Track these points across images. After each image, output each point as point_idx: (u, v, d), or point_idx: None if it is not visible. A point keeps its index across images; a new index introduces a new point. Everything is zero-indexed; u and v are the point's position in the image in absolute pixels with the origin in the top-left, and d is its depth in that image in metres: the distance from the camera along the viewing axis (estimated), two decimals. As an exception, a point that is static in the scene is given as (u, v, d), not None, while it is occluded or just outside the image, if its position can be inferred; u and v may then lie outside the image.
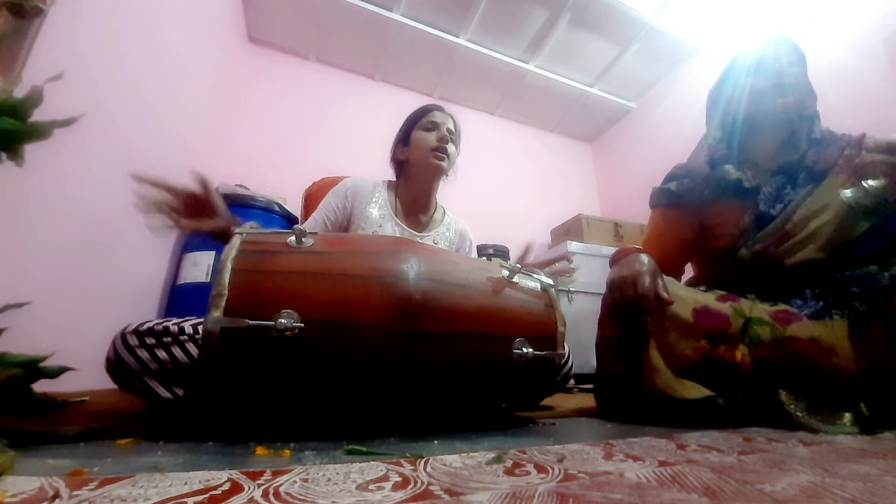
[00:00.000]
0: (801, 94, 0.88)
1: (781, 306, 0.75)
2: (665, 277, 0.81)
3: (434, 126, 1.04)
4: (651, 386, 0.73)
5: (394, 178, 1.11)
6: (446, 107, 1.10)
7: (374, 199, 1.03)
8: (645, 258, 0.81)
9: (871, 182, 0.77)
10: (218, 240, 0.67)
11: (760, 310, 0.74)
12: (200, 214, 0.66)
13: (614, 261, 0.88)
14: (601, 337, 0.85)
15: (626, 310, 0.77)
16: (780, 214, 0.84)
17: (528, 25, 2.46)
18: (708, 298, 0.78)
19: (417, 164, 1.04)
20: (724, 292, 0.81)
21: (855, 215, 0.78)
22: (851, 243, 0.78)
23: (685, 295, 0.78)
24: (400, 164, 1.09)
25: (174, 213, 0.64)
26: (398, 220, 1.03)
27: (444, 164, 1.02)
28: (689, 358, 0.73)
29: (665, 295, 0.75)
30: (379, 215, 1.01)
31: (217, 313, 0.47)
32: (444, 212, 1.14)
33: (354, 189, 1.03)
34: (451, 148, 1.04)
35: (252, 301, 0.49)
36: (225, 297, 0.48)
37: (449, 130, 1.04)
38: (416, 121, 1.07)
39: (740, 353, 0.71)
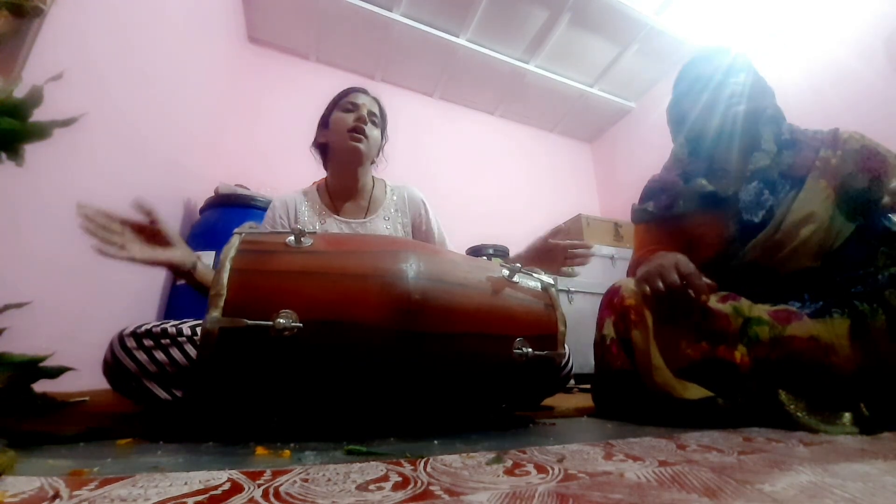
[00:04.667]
0: (754, 99, 0.89)
1: (781, 306, 0.75)
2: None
3: (354, 107, 1.00)
4: (650, 383, 0.73)
5: (318, 180, 1.07)
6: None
7: (304, 206, 1.00)
8: (678, 253, 0.79)
9: None
10: (178, 276, 0.64)
11: (760, 309, 0.74)
12: (154, 244, 0.65)
13: (639, 261, 0.87)
14: (599, 335, 0.85)
15: (670, 296, 0.74)
16: (763, 221, 0.83)
17: (528, 25, 2.46)
18: (710, 299, 0.78)
19: (336, 147, 1.00)
20: (724, 293, 0.81)
21: (843, 215, 0.78)
22: (841, 247, 0.78)
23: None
24: (322, 148, 1.05)
25: (125, 240, 0.61)
26: (338, 217, 1.00)
27: (362, 146, 0.97)
28: (689, 358, 0.73)
29: (708, 280, 0.73)
30: (318, 219, 0.98)
31: (216, 313, 0.47)
32: (385, 185, 1.08)
33: (283, 205, 0.99)
34: (371, 131, 0.99)
35: (251, 301, 0.49)
36: (223, 297, 0.48)
37: (371, 113, 1.00)
38: (337, 101, 1.03)
39: (739, 352, 0.71)
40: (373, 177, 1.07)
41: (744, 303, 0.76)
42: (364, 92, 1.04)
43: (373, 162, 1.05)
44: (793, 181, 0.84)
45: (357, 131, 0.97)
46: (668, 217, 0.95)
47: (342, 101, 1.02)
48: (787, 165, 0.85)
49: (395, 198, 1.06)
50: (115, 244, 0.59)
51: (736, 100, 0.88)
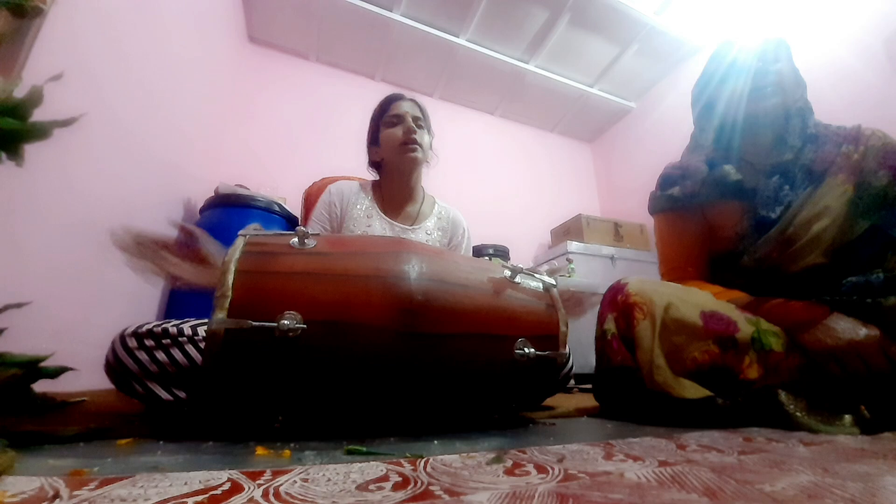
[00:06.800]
0: (787, 90, 0.86)
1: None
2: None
3: (399, 119, 1.01)
4: (649, 381, 0.73)
5: (374, 180, 1.10)
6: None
7: (358, 200, 1.03)
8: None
9: None
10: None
11: (775, 328, 0.73)
12: (194, 264, 0.64)
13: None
14: (600, 330, 0.85)
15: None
16: (779, 217, 0.83)
17: (528, 25, 2.46)
18: (727, 308, 0.76)
19: (392, 162, 1.02)
20: (744, 303, 0.79)
21: (859, 212, 0.77)
22: (852, 244, 0.77)
23: (696, 299, 0.77)
24: (377, 164, 1.07)
25: (163, 260, 0.60)
26: (385, 217, 1.02)
27: (418, 154, 0.99)
28: (697, 361, 0.73)
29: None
30: (366, 215, 1.01)
31: (221, 314, 0.47)
32: (434, 202, 1.12)
33: (339, 193, 1.03)
34: (421, 136, 1.01)
35: (255, 302, 0.49)
36: (229, 299, 0.48)
37: (415, 118, 1.02)
38: (380, 118, 1.05)
39: (749, 358, 0.71)
40: (423, 189, 1.10)
41: (761, 322, 0.75)
42: (401, 98, 1.06)
43: (427, 162, 1.07)
44: (812, 176, 0.83)
45: (409, 142, 0.99)
46: (690, 206, 0.92)
47: (385, 117, 1.03)
48: (809, 160, 0.83)
49: (440, 216, 1.10)
50: (156, 267, 0.59)
51: (771, 90, 0.85)
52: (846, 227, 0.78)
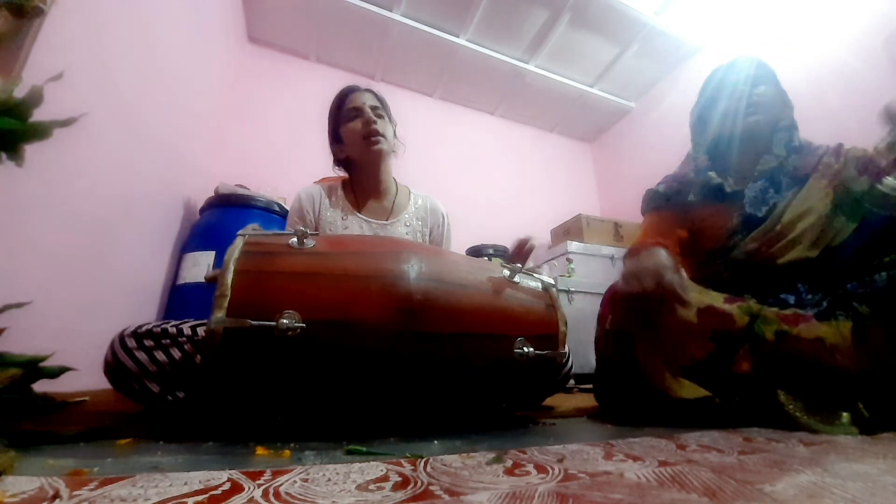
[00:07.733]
0: (772, 110, 0.93)
1: (790, 310, 0.75)
2: (682, 275, 0.81)
3: (357, 112, 0.98)
4: (649, 380, 0.73)
5: (343, 177, 1.07)
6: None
7: (330, 202, 1.00)
8: (665, 253, 0.79)
9: None
10: None
11: (769, 311, 0.75)
12: None
13: (632, 253, 0.87)
14: (601, 331, 0.85)
15: (642, 301, 0.74)
16: (766, 216, 0.87)
17: (528, 25, 2.46)
18: (715, 299, 0.79)
19: (358, 157, 0.99)
20: (728, 295, 0.81)
21: (843, 215, 0.81)
22: (839, 245, 0.80)
23: (692, 297, 0.78)
24: (343, 162, 1.04)
25: None
26: (361, 215, 0.99)
27: (382, 146, 0.96)
28: (693, 357, 0.73)
29: (684, 296, 0.73)
30: (340, 216, 0.98)
31: (220, 314, 0.47)
32: (409, 192, 1.09)
33: (309, 198, 0.99)
34: (383, 127, 0.98)
35: (255, 302, 0.49)
36: (228, 298, 0.48)
37: (373, 108, 0.99)
38: (338, 113, 1.01)
39: (743, 349, 0.72)
40: (395, 180, 1.07)
41: (752, 304, 0.77)
42: (357, 90, 1.02)
43: (393, 152, 1.04)
44: (796, 181, 0.88)
45: (372, 135, 0.96)
46: (676, 205, 0.98)
47: (343, 111, 1.00)
48: (792, 167, 0.89)
49: (417, 205, 1.07)
50: None
51: (752, 110, 0.92)
52: (832, 227, 0.81)
